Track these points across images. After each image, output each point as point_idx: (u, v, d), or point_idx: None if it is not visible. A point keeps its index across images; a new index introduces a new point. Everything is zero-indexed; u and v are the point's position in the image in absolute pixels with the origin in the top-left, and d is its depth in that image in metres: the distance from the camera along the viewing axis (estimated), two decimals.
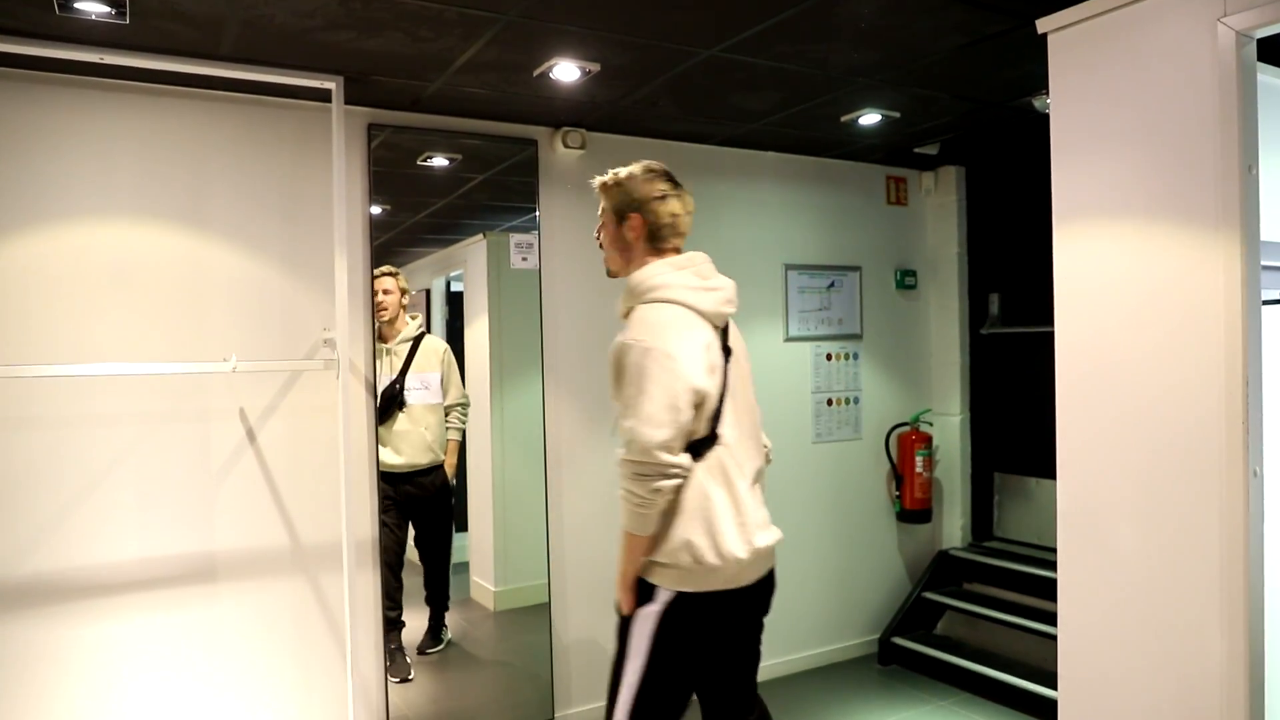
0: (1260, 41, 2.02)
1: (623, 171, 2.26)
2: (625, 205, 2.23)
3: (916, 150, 4.36)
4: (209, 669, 3.02)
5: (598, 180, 2.28)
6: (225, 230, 3.06)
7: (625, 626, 2.15)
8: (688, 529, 2.04)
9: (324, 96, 3.00)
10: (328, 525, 3.17)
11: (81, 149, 2.85)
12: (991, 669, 3.93)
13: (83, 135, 2.85)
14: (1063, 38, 2.33)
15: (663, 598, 2.08)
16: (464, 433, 3.92)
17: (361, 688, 3.20)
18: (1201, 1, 2.01)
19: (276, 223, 3.14)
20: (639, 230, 2.22)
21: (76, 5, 2.32)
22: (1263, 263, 2.05)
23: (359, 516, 3.22)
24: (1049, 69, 2.37)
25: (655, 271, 2.17)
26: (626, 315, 2.19)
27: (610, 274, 2.32)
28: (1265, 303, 2.10)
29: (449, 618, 4.06)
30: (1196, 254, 2.04)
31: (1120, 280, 2.21)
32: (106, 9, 2.35)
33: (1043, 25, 2.38)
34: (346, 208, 3.05)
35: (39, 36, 2.53)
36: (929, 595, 4.51)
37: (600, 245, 2.31)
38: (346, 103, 3.05)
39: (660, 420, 1.98)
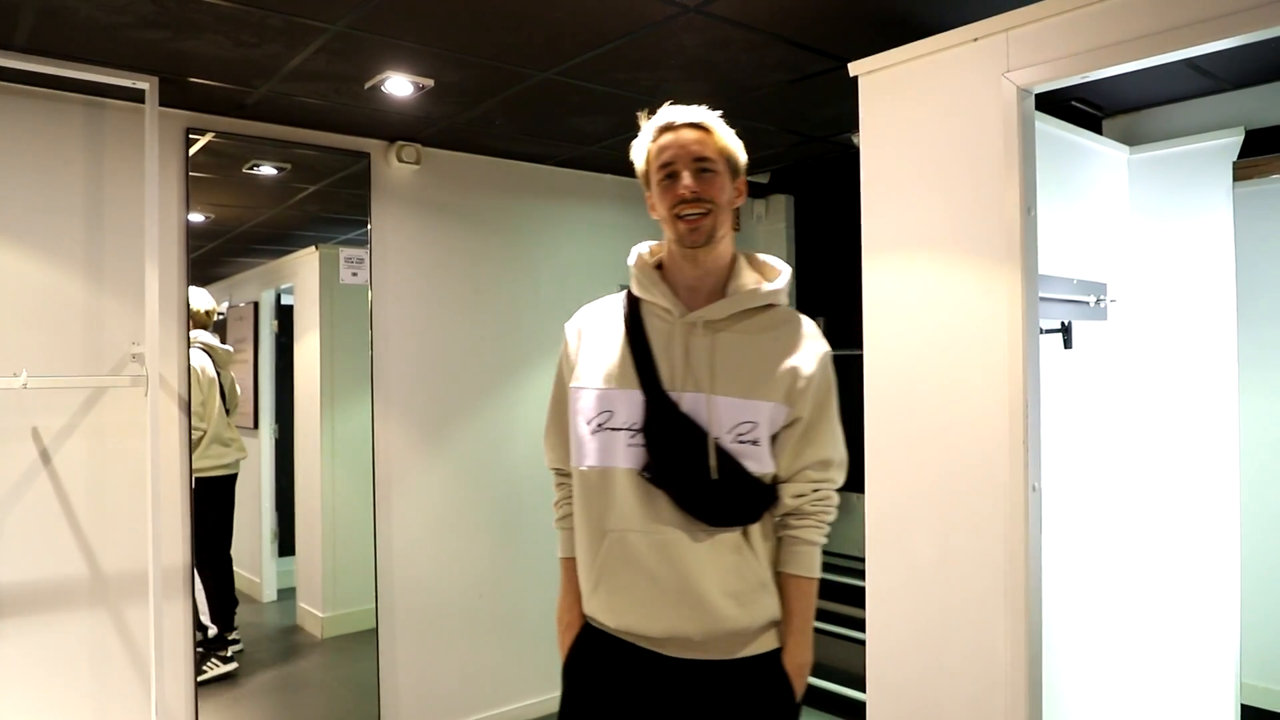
0: (1042, 95, 2.22)
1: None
2: (739, 163, 1.72)
3: (749, 179, 4.53)
4: None
5: (709, 116, 1.69)
6: (19, 234, 2.83)
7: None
8: None
9: (138, 97, 2.84)
10: (134, 552, 2.97)
11: None
12: (816, 678, 4.09)
13: None
14: (871, 81, 2.50)
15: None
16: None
17: None
18: (989, 57, 2.20)
19: (80, 228, 2.93)
20: (742, 198, 1.74)
21: None
22: (1042, 295, 2.26)
23: (169, 540, 3.03)
24: (859, 109, 2.53)
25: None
26: (736, 314, 1.67)
27: (700, 246, 1.65)
28: (1044, 331, 2.31)
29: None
30: (985, 286, 2.22)
31: (919, 308, 2.38)
32: None
33: (854, 69, 2.54)
34: (160, 213, 2.89)
35: None
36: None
37: (698, 204, 1.63)
38: (163, 104, 2.89)
39: None
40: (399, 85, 2.90)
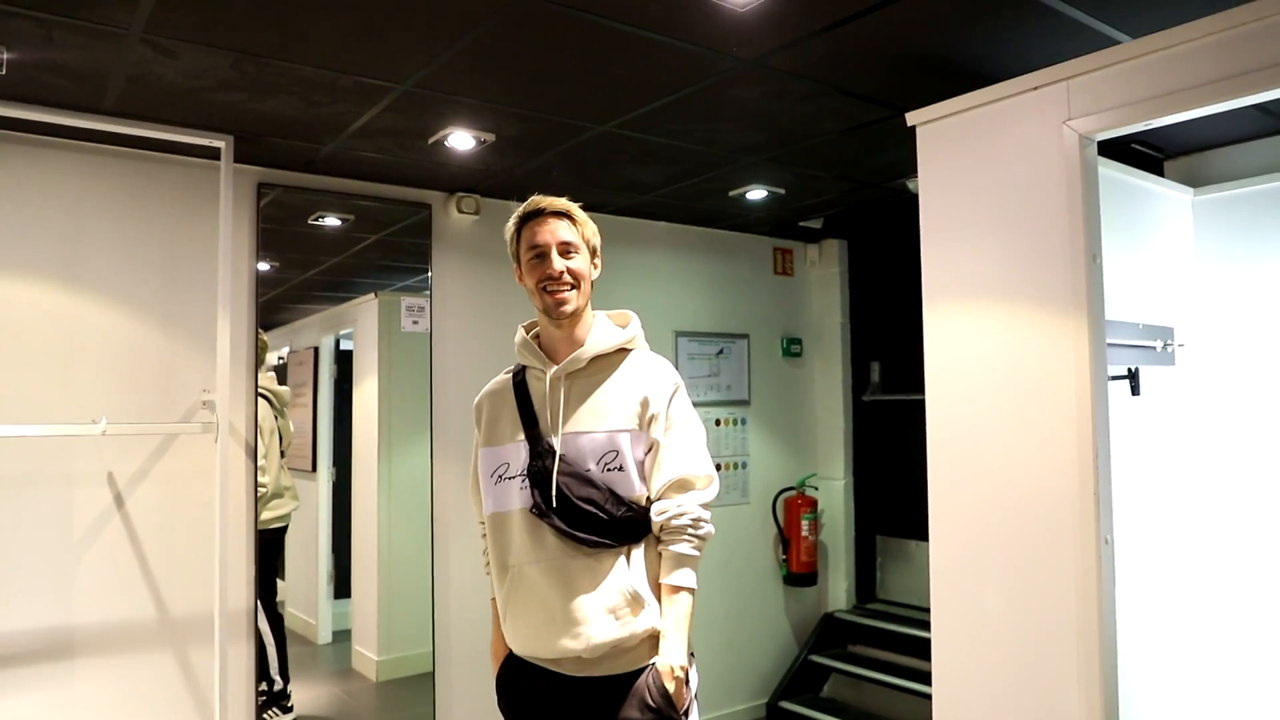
0: (1102, 140, 2.22)
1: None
2: (596, 240, 2.01)
3: (802, 224, 4.56)
4: None
5: (571, 206, 1.96)
6: (101, 286, 2.95)
7: None
8: None
9: (213, 154, 2.96)
10: (200, 596, 3.03)
11: None
12: None
13: None
14: (929, 131, 2.51)
15: (694, 665, 1.94)
16: None
17: None
18: (1050, 105, 2.20)
19: (157, 280, 3.04)
20: (597, 271, 2.01)
21: None
22: (1109, 340, 2.22)
23: (234, 585, 3.09)
24: (918, 158, 2.54)
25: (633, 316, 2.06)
26: (591, 361, 1.95)
27: (566, 316, 1.91)
28: (1111, 378, 2.27)
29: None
30: (1050, 334, 2.20)
31: (982, 356, 2.36)
32: None
33: (911, 119, 2.55)
34: (232, 266, 2.99)
35: None
36: (815, 658, 4.58)
37: (564, 280, 1.90)
38: (237, 161, 3.01)
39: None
40: (461, 140, 2.98)
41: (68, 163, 2.90)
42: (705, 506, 1.89)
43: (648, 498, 1.88)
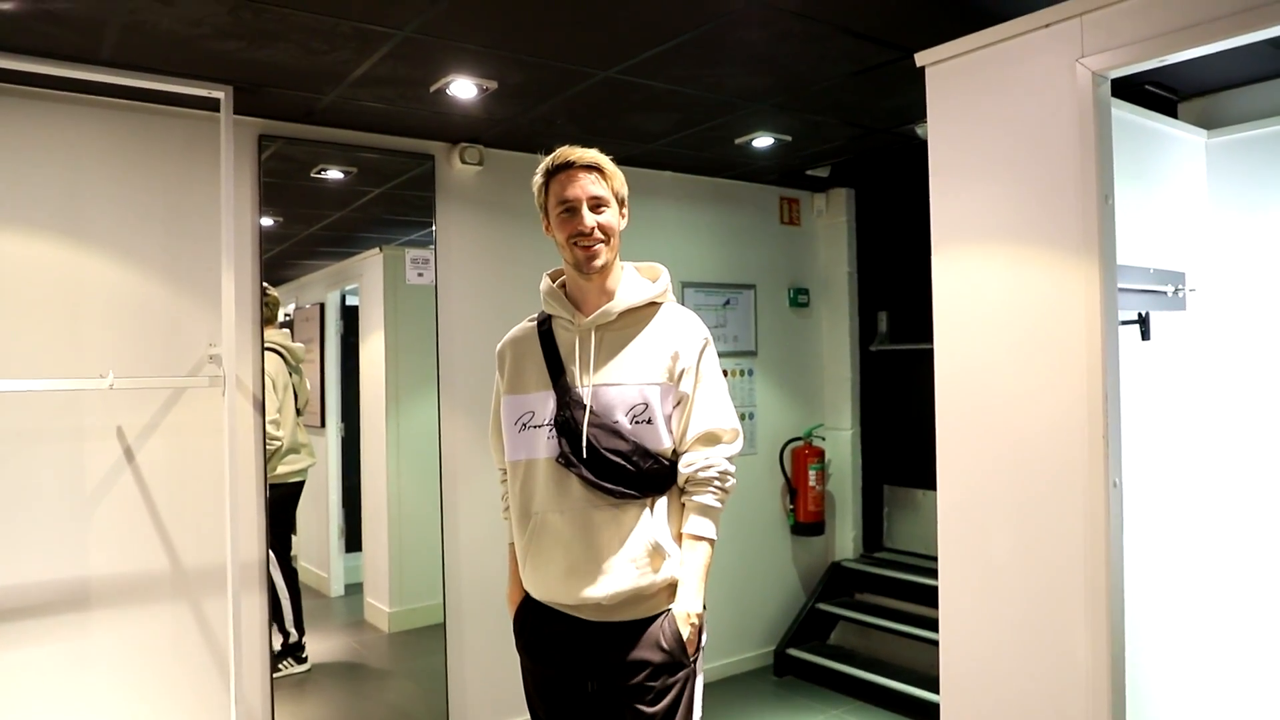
0: (1116, 80, 2.17)
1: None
2: (624, 191, 1.99)
3: (808, 172, 4.51)
4: (81, 703, 2.87)
5: (601, 158, 1.92)
6: (104, 241, 2.94)
7: (680, 669, 1.88)
8: None
9: (213, 106, 2.92)
10: (212, 547, 3.06)
11: None
12: (882, 677, 4.05)
13: None
14: (939, 71, 2.46)
15: (705, 617, 1.94)
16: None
17: (246, 716, 3.09)
18: (1062, 43, 2.16)
19: (160, 234, 3.03)
20: (625, 221, 2.00)
21: None
22: (1119, 285, 2.20)
23: (245, 537, 3.12)
24: (927, 100, 2.49)
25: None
26: (622, 314, 1.94)
27: (596, 270, 1.91)
28: (1122, 323, 2.25)
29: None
30: (1060, 277, 2.17)
31: (992, 301, 2.34)
32: None
33: (921, 59, 2.50)
34: (235, 219, 2.97)
35: None
36: (822, 606, 4.62)
37: (595, 236, 1.88)
38: (237, 113, 2.97)
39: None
40: (463, 88, 2.94)
41: (66, 115, 2.87)
42: (730, 460, 1.92)
43: (674, 450, 1.90)
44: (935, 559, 2.50)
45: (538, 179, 1.95)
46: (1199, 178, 2.97)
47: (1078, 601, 2.14)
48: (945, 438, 2.46)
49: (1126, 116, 2.55)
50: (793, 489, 4.64)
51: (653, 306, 1.98)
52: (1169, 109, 3.14)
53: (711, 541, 1.91)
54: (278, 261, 3.50)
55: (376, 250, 4.12)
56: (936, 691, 2.53)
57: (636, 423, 1.87)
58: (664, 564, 1.87)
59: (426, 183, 3.62)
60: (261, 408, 3.21)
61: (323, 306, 4.24)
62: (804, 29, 2.60)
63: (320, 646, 3.99)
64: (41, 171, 2.84)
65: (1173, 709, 2.71)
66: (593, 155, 1.92)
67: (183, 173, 3.06)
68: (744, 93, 3.16)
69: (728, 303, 4.49)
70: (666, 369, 1.90)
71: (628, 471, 1.84)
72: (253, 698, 3.14)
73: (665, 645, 1.86)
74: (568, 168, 1.90)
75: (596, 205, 1.89)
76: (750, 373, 4.58)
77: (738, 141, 3.78)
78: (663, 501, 1.90)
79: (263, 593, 3.19)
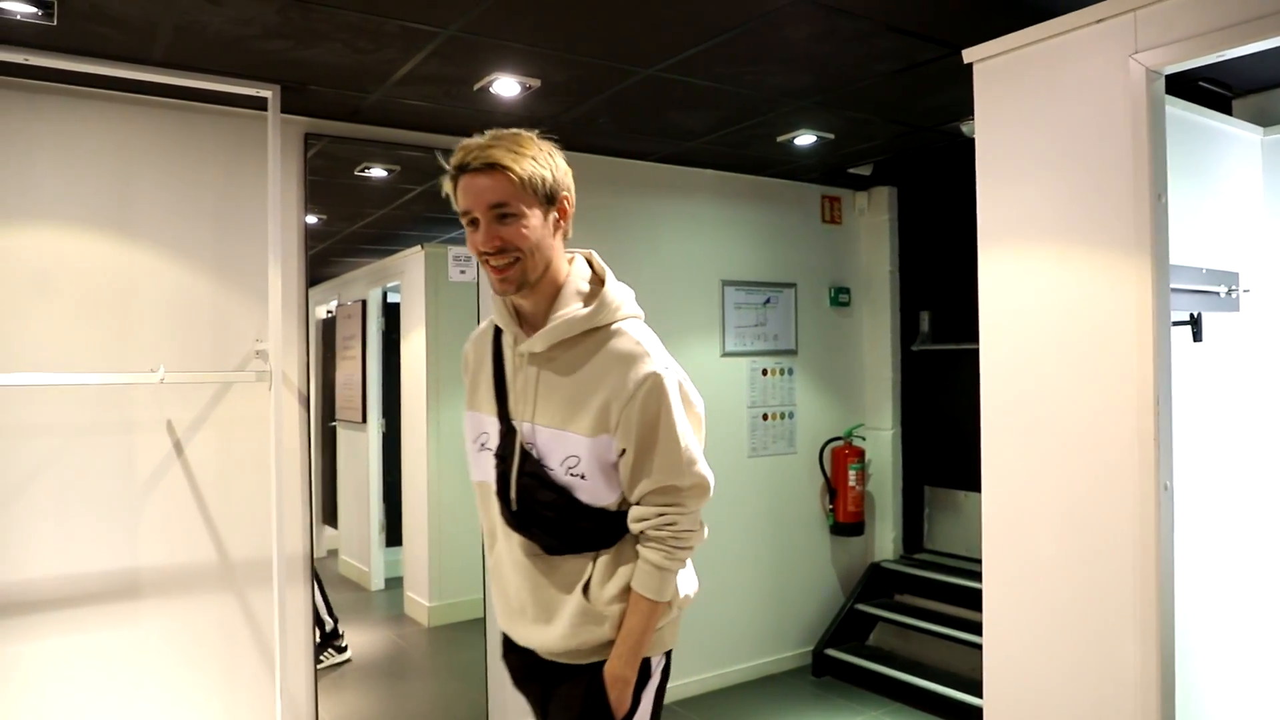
0: (1169, 76, 2.13)
1: (523, 132, 1.59)
2: (558, 182, 1.59)
3: (850, 171, 4.47)
4: (131, 689, 2.93)
5: (503, 152, 1.52)
6: (154, 237, 3.00)
7: None
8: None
9: (260, 105, 2.97)
10: (258, 540, 3.11)
11: (1, 151, 2.76)
12: (922, 679, 4.01)
13: (2, 137, 2.76)
14: (987, 68, 2.43)
15: (658, 666, 1.74)
16: None
17: (290, 706, 3.14)
18: (1115, 39, 2.12)
19: (208, 231, 3.08)
20: (567, 217, 1.64)
21: (0, 4, 2.26)
22: (1171, 285, 2.16)
23: (291, 530, 3.17)
24: (974, 98, 2.46)
25: (613, 279, 1.70)
26: (556, 345, 1.61)
27: (512, 293, 1.59)
28: (1174, 324, 2.20)
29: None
30: (1111, 277, 2.13)
31: (1040, 301, 2.30)
32: (33, 9, 2.29)
33: (968, 56, 2.47)
34: (281, 217, 3.01)
35: None
36: (861, 607, 4.59)
37: (503, 254, 1.54)
38: (283, 111, 3.01)
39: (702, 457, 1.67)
40: (506, 86, 2.95)
41: (119, 115, 2.93)
42: (691, 513, 1.63)
43: (619, 503, 1.63)
44: (977, 561, 2.48)
45: (447, 182, 1.59)
46: (1254, 176, 2.89)
47: (1127, 608, 2.10)
48: (990, 439, 2.42)
49: (1180, 113, 2.50)
50: (832, 489, 4.61)
51: (598, 333, 1.61)
52: (1223, 106, 3.07)
53: (655, 602, 1.62)
54: (320, 259, 3.55)
55: (418, 248, 4.16)
56: (977, 695, 2.50)
57: (571, 475, 1.60)
58: (595, 630, 1.63)
59: None
60: (307, 402, 3.26)
61: (364, 303, 4.29)
62: (848, 26, 2.58)
63: (361, 639, 4.04)
64: (95, 170, 2.90)
65: (1223, 714, 2.65)
66: (492, 153, 1.51)
67: (230, 170, 3.11)
68: (786, 90, 3.14)
69: (768, 301, 4.47)
70: (596, 419, 1.57)
71: (557, 527, 1.61)
72: (297, 688, 3.19)
73: (590, 703, 1.64)
74: (463, 171, 1.53)
75: (500, 215, 1.52)
76: (790, 372, 4.55)
77: (779, 139, 3.76)
78: (608, 556, 1.63)
79: (307, 585, 3.23)
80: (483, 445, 1.70)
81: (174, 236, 3.02)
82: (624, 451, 1.59)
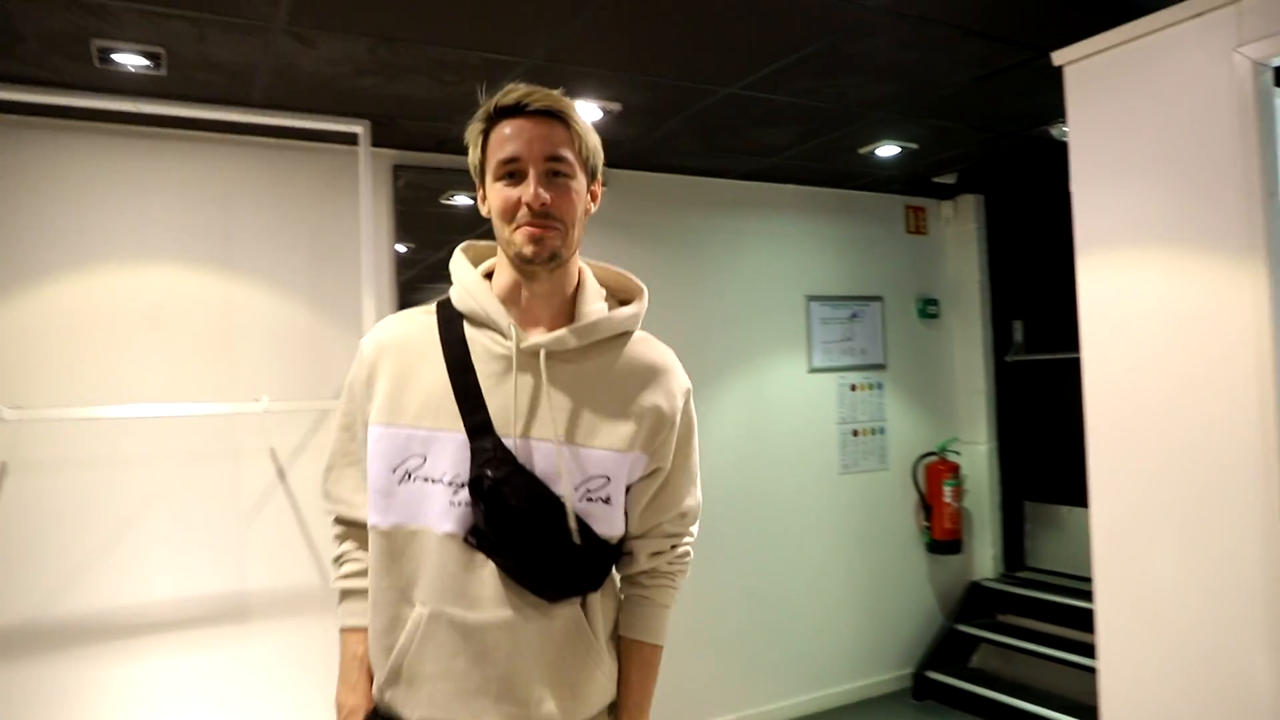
0: (1276, 69, 2.03)
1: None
2: (599, 163, 1.40)
3: (935, 180, 4.38)
4: (240, 710, 3.03)
5: (568, 103, 1.34)
6: (255, 271, 3.12)
7: None
8: None
9: (351, 140, 3.07)
10: None
11: (116, 194, 2.92)
12: (1029, 703, 3.86)
13: (117, 181, 2.92)
14: (1079, 70, 2.35)
15: None
16: None
17: None
18: (1216, 32, 2.03)
19: (305, 263, 3.19)
20: (597, 200, 1.42)
21: (115, 58, 2.40)
22: None
23: None
24: (1066, 101, 2.39)
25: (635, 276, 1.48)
26: (591, 343, 1.37)
27: (544, 265, 1.32)
28: None
29: None
30: (1222, 280, 2.04)
31: (1146, 308, 2.21)
32: (145, 61, 2.42)
33: (1058, 58, 2.40)
34: (374, 247, 3.11)
35: (78, 88, 2.61)
36: (962, 627, 4.45)
37: (547, 211, 1.28)
38: (373, 145, 3.11)
39: None
40: (587, 111, 2.99)
41: (219, 156, 3.07)
42: (693, 541, 1.49)
43: (623, 533, 1.39)
44: (1084, 579, 2.38)
45: (475, 127, 1.34)
46: None
47: (1256, 625, 1.99)
48: (1098, 452, 2.33)
49: None
50: (927, 505, 4.49)
51: (624, 336, 1.40)
52: None
53: (661, 650, 1.44)
54: (409, 286, 3.63)
55: None
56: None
57: (588, 500, 1.32)
58: (603, 684, 1.37)
59: None
60: None
61: None
62: (931, 34, 2.53)
63: None
64: (200, 208, 3.04)
65: None
66: (556, 97, 1.32)
67: (324, 204, 3.22)
68: (868, 102, 3.10)
69: (854, 315, 4.40)
70: (644, 433, 1.35)
71: (569, 566, 1.31)
72: None
73: None
74: (516, 113, 1.30)
75: (554, 171, 1.30)
76: (879, 386, 4.47)
77: (861, 151, 3.71)
78: (597, 598, 1.36)
79: None
80: (411, 474, 1.31)
81: (272, 269, 3.14)
82: (654, 472, 1.39)
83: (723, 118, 3.17)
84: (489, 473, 1.26)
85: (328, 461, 1.46)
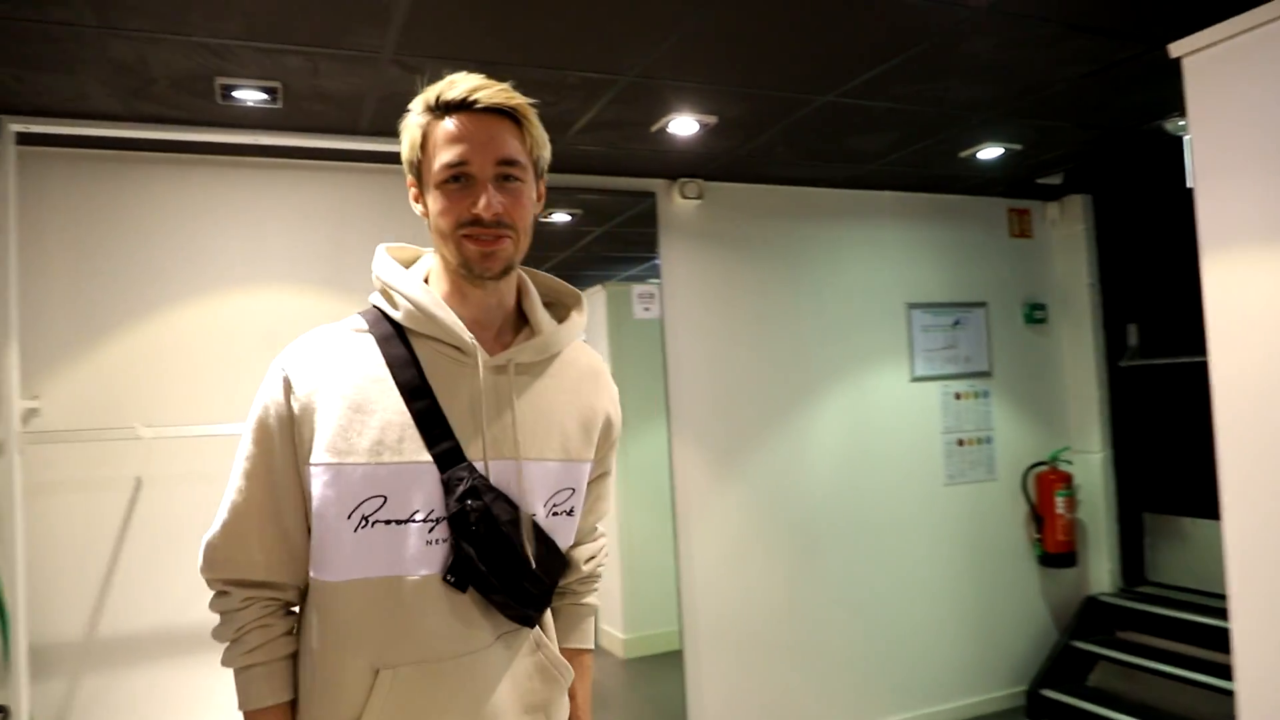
0: None
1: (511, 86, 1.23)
2: (546, 156, 1.28)
3: (1039, 181, 4.25)
4: None
5: (518, 96, 1.23)
6: (364, 292, 3.14)
7: None
8: None
9: None
10: None
11: (234, 222, 3.07)
12: None
13: (236, 210, 3.07)
14: (1198, 61, 2.25)
15: None
16: None
17: None
18: None
19: None
20: (543, 201, 1.30)
21: (236, 94, 2.52)
22: None
23: None
24: (1185, 93, 2.29)
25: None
26: (531, 359, 1.28)
27: (494, 275, 1.22)
28: None
29: None
30: None
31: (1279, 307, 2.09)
32: (263, 96, 2.54)
33: (1176, 50, 2.30)
34: None
35: (202, 124, 2.76)
36: (1078, 644, 4.28)
37: (499, 220, 1.18)
38: None
39: None
40: (684, 125, 3.01)
41: (329, 182, 3.20)
42: None
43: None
44: (1213, 595, 2.27)
45: (416, 120, 1.23)
46: None
47: None
48: (1230, 460, 2.21)
49: None
50: (1038, 517, 4.34)
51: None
52: None
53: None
54: None
55: (598, 287, 4.28)
56: None
57: (555, 514, 1.27)
58: (564, 701, 1.33)
59: (648, 219, 3.72)
60: None
61: None
62: (1036, 32, 2.47)
63: None
64: (313, 234, 3.17)
65: None
66: (509, 91, 1.21)
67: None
68: (969, 104, 3.03)
69: (957, 322, 4.30)
70: (598, 440, 1.33)
71: (545, 589, 1.26)
72: None
73: None
74: (463, 108, 1.19)
75: (505, 175, 1.19)
76: (986, 394, 4.34)
77: (962, 155, 3.63)
78: (547, 614, 1.33)
79: None
80: (369, 518, 1.15)
81: None
82: (601, 476, 1.38)
83: (819, 126, 3.15)
84: (470, 503, 1.16)
85: (224, 518, 1.22)
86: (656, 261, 3.73)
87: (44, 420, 2.85)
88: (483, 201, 1.16)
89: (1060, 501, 4.26)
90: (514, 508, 1.21)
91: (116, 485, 2.92)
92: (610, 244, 4.14)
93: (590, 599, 1.42)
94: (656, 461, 3.74)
